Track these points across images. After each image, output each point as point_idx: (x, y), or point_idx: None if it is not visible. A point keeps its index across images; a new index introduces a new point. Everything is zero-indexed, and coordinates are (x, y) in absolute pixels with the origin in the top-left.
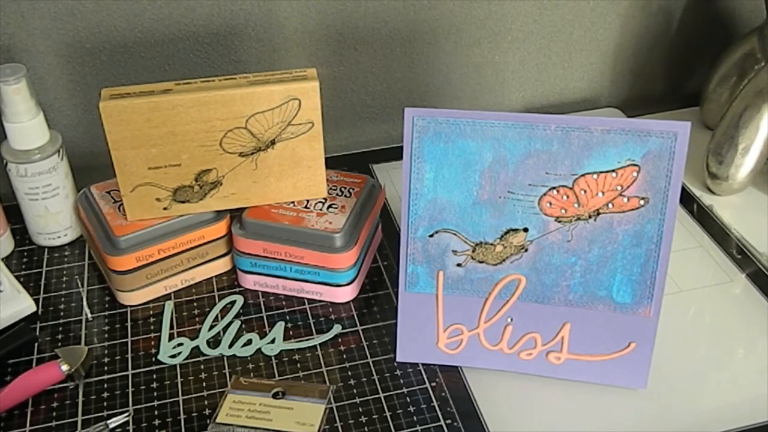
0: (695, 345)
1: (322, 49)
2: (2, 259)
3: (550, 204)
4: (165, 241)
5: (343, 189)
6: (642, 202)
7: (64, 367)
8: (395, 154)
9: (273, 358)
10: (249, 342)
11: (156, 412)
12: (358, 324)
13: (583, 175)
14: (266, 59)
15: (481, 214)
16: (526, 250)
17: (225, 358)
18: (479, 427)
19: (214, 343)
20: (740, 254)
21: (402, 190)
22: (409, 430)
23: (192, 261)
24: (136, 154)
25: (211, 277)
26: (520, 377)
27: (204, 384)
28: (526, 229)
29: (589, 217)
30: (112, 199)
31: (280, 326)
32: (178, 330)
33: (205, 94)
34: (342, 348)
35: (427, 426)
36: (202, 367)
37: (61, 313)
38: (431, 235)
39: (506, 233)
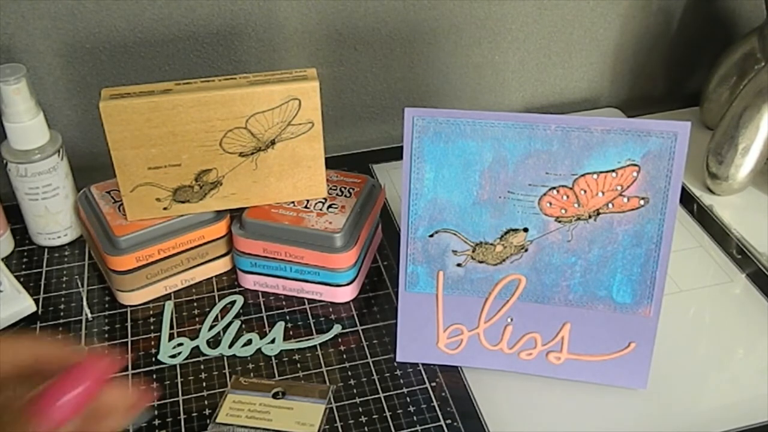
0: (695, 345)
1: (322, 49)
2: (2, 259)
3: (550, 204)
4: (165, 241)
5: (343, 189)
6: (642, 202)
7: None
8: (395, 154)
9: (273, 358)
10: (249, 342)
11: (156, 412)
12: (358, 324)
13: (583, 175)
14: (266, 59)
15: (481, 214)
16: (526, 250)
17: (225, 358)
18: (479, 427)
19: (214, 343)
20: (740, 254)
21: (402, 190)
22: (409, 430)
23: (192, 261)
24: (136, 154)
25: (211, 277)
26: (520, 377)
27: (204, 384)
28: (526, 229)
29: (589, 217)
30: (112, 199)
31: (280, 326)
32: (178, 330)
33: (205, 94)
34: (342, 348)
35: (427, 426)
36: (202, 367)
37: (61, 313)
38: (431, 235)
39: (506, 233)
